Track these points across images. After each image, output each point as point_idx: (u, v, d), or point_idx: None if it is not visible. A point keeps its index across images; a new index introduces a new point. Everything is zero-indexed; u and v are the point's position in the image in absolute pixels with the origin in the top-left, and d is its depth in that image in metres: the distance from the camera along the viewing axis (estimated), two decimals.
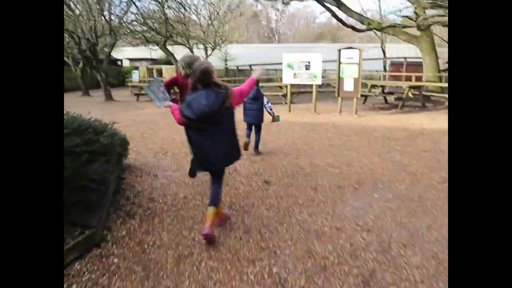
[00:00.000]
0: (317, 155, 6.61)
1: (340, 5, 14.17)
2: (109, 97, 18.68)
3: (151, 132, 9.12)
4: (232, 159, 3.61)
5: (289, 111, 11.93)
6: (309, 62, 11.06)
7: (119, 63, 35.23)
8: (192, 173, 4.23)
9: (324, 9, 13.80)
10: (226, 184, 4.98)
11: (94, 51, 18.29)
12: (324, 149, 7.04)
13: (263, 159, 6.34)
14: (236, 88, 3.44)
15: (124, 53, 35.60)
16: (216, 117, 3.24)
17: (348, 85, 10.78)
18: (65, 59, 22.81)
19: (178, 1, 15.06)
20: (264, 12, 56.02)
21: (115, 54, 34.36)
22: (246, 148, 6.65)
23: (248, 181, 5.21)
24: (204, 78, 3.25)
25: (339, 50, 10.77)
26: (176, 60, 15.37)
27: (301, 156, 6.51)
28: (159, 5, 14.22)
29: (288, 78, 11.50)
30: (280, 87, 16.04)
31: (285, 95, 15.06)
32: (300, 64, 11.18)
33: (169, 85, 5.03)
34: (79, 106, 16.39)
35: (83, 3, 15.26)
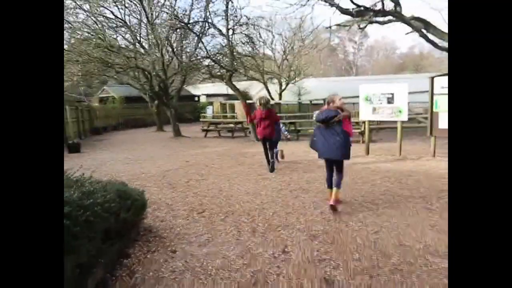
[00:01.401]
0: (411, 228, 4.44)
1: (429, 27, 11.87)
2: (177, 133, 17.98)
3: (199, 178, 7.60)
4: (334, 156, 5.23)
5: (367, 153, 9.74)
6: (392, 94, 8.92)
7: (197, 98, 35.51)
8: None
9: (410, 30, 11.57)
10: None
11: (165, 88, 17.83)
12: (419, 217, 4.84)
13: (326, 231, 4.36)
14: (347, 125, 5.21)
15: (202, 89, 36.01)
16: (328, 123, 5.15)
17: (444, 121, 8.32)
18: (142, 95, 23.04)
19: (247, 35, 13.83)
20: (341, 45, 54.20)
21: (193, 90, 34.87)
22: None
23: (298, 278, 3.27)
24: (329, 102, 5.35)
25: (432, 78, 8.46)
26: (241, 96, 14.04)
27: (384, 230, 4.40)
28: (226, 39, 13.04)
29: (366, 114, 9.42)
30: (357, 123, 13.87)
31: (362, 133, 12.86)
32: (380, 97, 9.08)
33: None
34: (145, 142, 15.81)
35: (153, 42, 14.77)
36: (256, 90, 33.67)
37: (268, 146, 8.11)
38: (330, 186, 5.39)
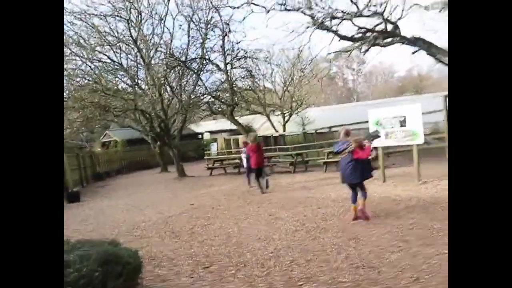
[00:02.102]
0: None
1: (431, 46, 11.44)
2: (182, 173, 17.36)
3: (204, 223, 6.91)
4: (354, 180, 6.04)
5: (384, 180, 9.04)
6: (404, 117, 8.34)
7: (200, 136, 35.18)
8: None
9: (409, 52, 11.17)
10: None
11: (166, 128, 17.41)
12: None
13: (356, 283, 3.64)
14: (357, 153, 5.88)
15: (205, 126, 35.75)
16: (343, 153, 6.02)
17: None
18: (144, 137, 22.67)
19: (246, 69, 13.53)
20: (340, 73, 54.40)
21: (196, 128, 34.59)
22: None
23: None
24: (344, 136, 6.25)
25: (445, 96, 7.90)
26: (244, 130, 13.55)
27: (424, 275, 3.66)
28: (225, 74, 12.70)
29: (378, 140, 8.79)
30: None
31: (374, 159, 12.18)
32: (392, 120, 8.50)
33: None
34: (148, 185, 15.19)
35: (151, 83, 14.49)
36: (259, 123, 33.34)
37: (259, 173, 9.80)
38: (354, 202, 6.12)
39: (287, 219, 6.47)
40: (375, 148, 12.25)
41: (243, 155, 11.92)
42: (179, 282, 4.21)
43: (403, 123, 8.33)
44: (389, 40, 10.71)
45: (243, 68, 13.29)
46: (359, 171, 5.91)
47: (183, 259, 4.96)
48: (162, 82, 13.95)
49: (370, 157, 6.18)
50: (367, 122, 21.13)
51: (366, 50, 10.97)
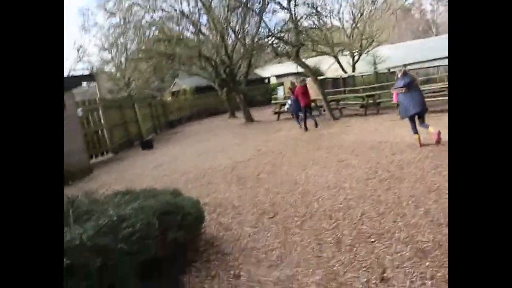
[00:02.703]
0: None
1: None
2: (249, 119, 17.30)
3: (271, 169, 6.71)
4: (418, 109, 6.74)
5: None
6: None
7: (266, 80, 34.69)
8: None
9: None
10: None
11: (231, 74, 17.18)
12: None
13: (438, 243, 3.18)
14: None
15: (271, 70, 35.05)
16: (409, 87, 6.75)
17: None
18: (211, 83, 22.79)
19: (311, 5, 12.51)
20: (417, 4, 49.22)
21: (262, 72, 34.04)
22: None
23: None
24: (402, 76, 6.98)
25: None
26: (311, 72, 12.82)
27: None
28: (288, 12, 11.85)
29: None
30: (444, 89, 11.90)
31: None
32: None
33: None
34: (217, 131, 15.36)
35: (212, 27, 14.09)
36: (327, 65, 31.84)
37: (307, 113, 11.27)
38: (416, 132, 6.93)
39: (358, 166, 6.01)
40: None
41: (289, 101, 13.11)
42: (242, 232, 4.07)
43: None
44: None
45: (307, 4, 12.27)
46: (421, 101, 6.85)
47: (248, 208, 4.83)
48: (224, 26, 13.47)
49: None
50: (439, 58, 19.14)
51: None
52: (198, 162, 8.49)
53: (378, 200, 4.40)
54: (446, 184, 4.57)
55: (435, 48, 27.56)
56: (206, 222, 4.30)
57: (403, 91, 6.88)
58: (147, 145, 12.58)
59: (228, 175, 6.77)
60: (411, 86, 6.82)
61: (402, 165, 5.72)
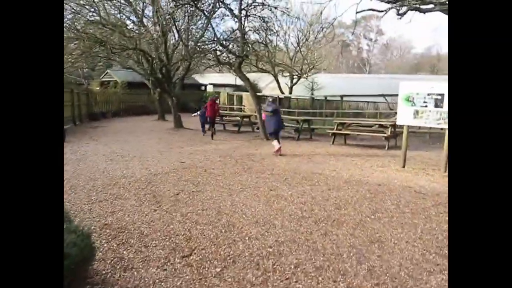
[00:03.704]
0: None
1: None
2: (178, 124, 16.15)
3: (192, 190, 5.77)
4: (278, 128, 9.42)
5: (403, 165, 7.83)
6: (441, 96, 6.99)
7: (203, 88, 33.63)
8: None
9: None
10: None
11: (167, 73, 15.95)
12: None
13: None
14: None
15: (209, 78, 34.09)
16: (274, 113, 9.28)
17: None
18: (145, 81, 21.23)
19: (262, 18, 11.90)
20: (355, 42, 51.88)
21: (200, 79, 32.94)
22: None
23: None
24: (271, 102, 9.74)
25: None
26: (251, 86, 12.19)
27: None
28: (238, 20, 11.12)
29: (405, 118, 7.52)
30: (381, 125, 11.96)
31: (388, 138, 10.95)
32: (426, 98, 7.16)
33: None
34: (141, 132, 13.97)
35: (154, 21, 12.89)
36: (265, 83, 31.74)
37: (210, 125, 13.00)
38: (276, 139, 9.36)
39: (291, 199, 5.33)
40: (393, 126, 11.12)
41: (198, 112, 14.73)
42: (146, 275, 3.10)
43: (439, 103, 7.01)
44: (430, 6, 9.13)
45: (259, 17, 11.64)
46: (279, 122, 9.54)
47: (158, 239, 3.86)
48: (167, 20, 12.33)
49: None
50: (378, 95, 19.96)
51: (404, 13, 9.41)
52: (110, 167, 7.26)
53: (314, 247, 3.70)
54: (388, 235, 4.05)
55: (368, 84, 28.91)
56: (100, 253, 3.27)
57: (270, 114, 9.41)
58: None
59: (142, 190, 5.70)
60: (275, 112, 9.42)
61: (340, 204, 5.14)
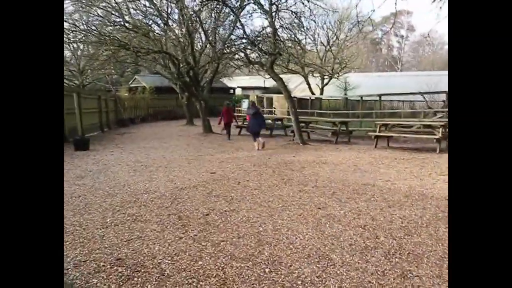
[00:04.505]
0: None
1: None
2: (207, 129, 15.37)
3: (225, 209, 4.82)
4: (259, 128, 10.74)
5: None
6: None
7: (231, 91, 32.91)
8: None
9: None
10: None
11: (195, 77, 15.19)
12: None
13: None
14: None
15: (237, 81, 33.39)
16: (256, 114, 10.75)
17: None
18: (173, 85, 20.67)
19: (295, 13, 10.89)
20: (385, 39, 49.88)
21: (229, 82, 32.26)
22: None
23: None
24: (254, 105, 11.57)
25: None
26: (284, 87, 11.18)
27: None
28: (269, 16, 10.15)
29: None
30: (430, 126, 10.64)
31: (441, 140, 9.66)
32: None
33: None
34: (169, 138, 13.24)
35: (180, 22, 12.12)
36: (295, 84, 30.66)
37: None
38: (255, 141, 10.56)
39: (346, 222, 4.27)
40: (444, 126, 9.84)
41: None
42: None
43: None
44: None
45: (291, 11, 10.63)
46: (261, 123, 10.90)
47: (184, 281, 2.92)
48: (193, 19, 11.52)
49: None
50: (413, 93, 18.49)
51: None
52: (132, 180, 6.43)
53: None
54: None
55: (402, 83, 27.26)
56: None
57: (252, 116, 10.76)
58: (81, 145, 10.27)
59: (166, 209, 4.80)
60: (256, 114, 10.71)
61: (409, 228, 4.05)
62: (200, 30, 14.15)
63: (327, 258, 3.32)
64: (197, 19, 12.08)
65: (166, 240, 3.78)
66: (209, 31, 14.05)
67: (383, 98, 19.46)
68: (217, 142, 12.21)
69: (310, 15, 11.68)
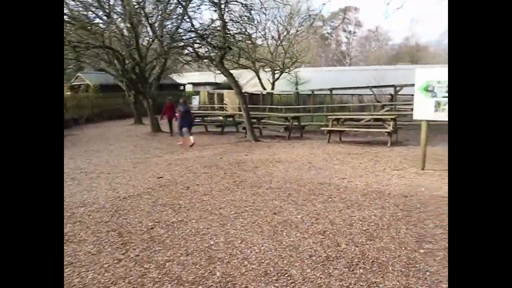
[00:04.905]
0: None
1: None
2: (156, 128, 14.62)
3: (172, 220, 4.34)
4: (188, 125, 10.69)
5: (423, 167, 6.57)
6: None
7: (181, 87, 31.91)
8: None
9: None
10: None
11: (141, 73, 14.34)
12: None
13: None
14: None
15: (187, 77, 32.42)
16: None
17: None
18: (118, 82, 19.53)
19: (245, 5, 10.49)
20: (334, 34, 50.89)
21: (178, 78, 31.20)
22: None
23: None
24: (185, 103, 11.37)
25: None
26: (234, 82, 10.77)
27: None
28: (218, 8, 9.65)
29: (424, 111, 6.26)
30: (380, 119, 10.71)
31: (390, 133, 9.73)
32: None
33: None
34: (116, 139, 12.37)
35: (124, 14, 11.28)
36: (246, 80, 30.32)
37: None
38: (181, 135, 10.83)
39: (304, 228, 3.97)
40: (393, 119, 9.95)
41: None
42: None
43: None
44: None
45: (241, 3, 10.20)
46: (189, 121, 10.81)
47: None
48: (137, 11, 10.74)
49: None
50: (362, 87, 18.88)
51: None
52: (68, 191, 5.74)
53: None
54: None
55: (351, 77, 27.80)
56: None
57: (182, 114, 10.76)
58: None
59: (105, 225, 4.24)
60: (186, 112, 10.83)
61: (370, 231, 3.82)
62: (146, 23, 13.29)
63: (286, 275, 2.97)
64: (142, 11, 11.29)
65: (102, 264, 3.25)
66: (156, 24, 13.28)
67: (334, 92, 19.65)
68: (166, 142, 11.57)
69: (261, 8, 11.35)
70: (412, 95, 19.11)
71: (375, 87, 18.48)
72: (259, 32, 23.26)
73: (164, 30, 13.61)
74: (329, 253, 3.32)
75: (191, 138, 10.38)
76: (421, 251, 3.33)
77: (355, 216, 4.26)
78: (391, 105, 15.62)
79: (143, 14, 11.76)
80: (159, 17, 13.19)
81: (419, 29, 71.72)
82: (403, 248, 3.39)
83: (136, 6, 10.64)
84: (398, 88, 15.83)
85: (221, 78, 28.14)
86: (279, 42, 24.73)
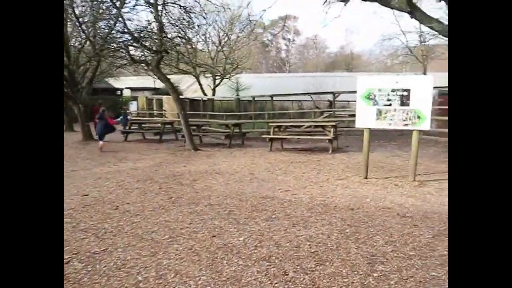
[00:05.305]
0: None
1: (415, 11, 9.00)
2: (87, 136, 13.46)
3: (95, 248, 3.68)
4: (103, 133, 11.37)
5: (366, 175, 6.45)
6: (407, 92, 5.73)
7: (118, 92, 30.23)
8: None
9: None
10: None
11: (70, 76, 13.11)
12: None
13: None
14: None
15: (125, 82, 30.80)
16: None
17: None
18: None
19: (183, 7, 9.90)
20: (274, 42, 51.61)
21: (115, 83, 29.51)
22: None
23: None
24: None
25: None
26: (172, 87, 10.14)
27: None
28: (154, 9, 8.98)
29: (365, 119, 6.14)
30: (322, 127, 10.65)
31: (332, 140, 9.68)
32: (391, 94, 5.85)
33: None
34: None
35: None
36: (186, 85, 29.49)
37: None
38: (101, 140, 11.11)
39: (247, 253, 3.52)
40: (335, 126, 9.92)
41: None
42: None
43: (405, 100, 5.73)
44: None
45: (179, 5, 9.60)
46: (105, 127, 11.34)
47: None
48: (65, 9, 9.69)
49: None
50: (302, 94, 19.09)
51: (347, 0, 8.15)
52: None
53: None
54: None
55: (291, 83, 28.13)
56: None
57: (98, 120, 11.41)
58: None
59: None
60: (102, 118, 11.27)
61: (318, 253, 3.46)
62: (76, 22, 12.16)
63: None
64: (70, 10, 10.24)
65: None
66: (89, 26, 12.19)
67: (275, 98, 19.62)
68: (98, 152, 10.57)
69: (201, 11, 10.82)
70: (348, 101, 19.52)
71: (314, 93, 18.73)
72: (200, 36, 22.71)
73: (98, 31, 12.57)
74: (276, 285, 2.91)
75: (101, 142, 10.89)
76: (374, 274, 3.04)
77: (301, 236, 3.90)
78: (330, 111, 15.84)
79: (70, 13, 10.67)
80: (92, 17, 12.14)
81: (354, 38, 75.31)
82: (356, 273, 3.07)
83: (66, 2, 9.58)
84: (336, 95, 16.12)
85: (160, 83, 27.01)
86: (219, 47, 24.28)
